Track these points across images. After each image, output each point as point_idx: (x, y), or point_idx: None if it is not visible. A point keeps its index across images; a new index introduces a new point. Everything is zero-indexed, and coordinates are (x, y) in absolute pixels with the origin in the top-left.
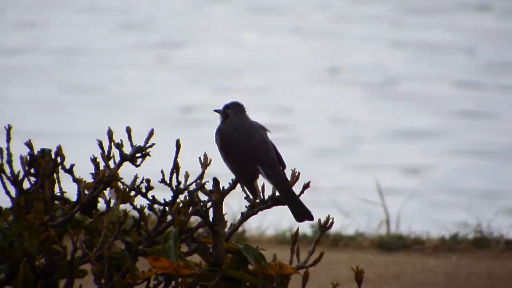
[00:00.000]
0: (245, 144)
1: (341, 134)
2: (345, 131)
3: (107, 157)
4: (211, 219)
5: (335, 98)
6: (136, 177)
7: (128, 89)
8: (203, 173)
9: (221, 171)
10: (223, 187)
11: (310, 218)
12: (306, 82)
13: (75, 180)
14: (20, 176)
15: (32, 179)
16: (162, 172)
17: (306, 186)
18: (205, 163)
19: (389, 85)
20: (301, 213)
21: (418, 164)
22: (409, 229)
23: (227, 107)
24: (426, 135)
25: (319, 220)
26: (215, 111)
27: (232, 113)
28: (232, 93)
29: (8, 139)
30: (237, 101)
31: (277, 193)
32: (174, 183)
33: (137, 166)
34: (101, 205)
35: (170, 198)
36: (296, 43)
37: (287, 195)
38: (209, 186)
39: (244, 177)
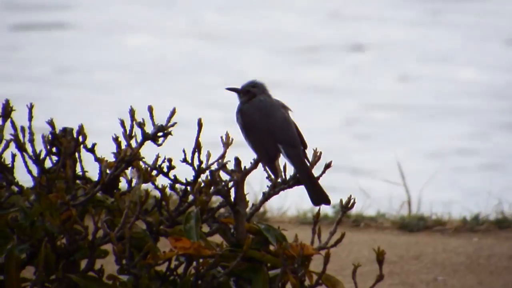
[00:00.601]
0: (266, 123)
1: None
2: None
3: (129, 136)
4: (232, 199)
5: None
6: (158, 156)
7: None
8: (224, 152)
9: (243, 150)
10: (244, 167)
11: (327, 202)
12: None
13: (97, 159)
14: (42, 155)
15: (54, 158)
16: (184, 151)
17: (327, 166)
18: (227, 142)
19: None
20: (319, 196)
21: None
22: (431, 210)
23: (252, 85)
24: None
25: (341, 200)
26: (230, 89)
27: (258, 92)
28: None
29: (30, 118)
30: (259, 80)
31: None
32: (196, 162)
33: (159, 145)
34: (123, 184)
35: (192, 178)
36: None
37: (305, 177)
38: (231, 165)
39: (266, 156)
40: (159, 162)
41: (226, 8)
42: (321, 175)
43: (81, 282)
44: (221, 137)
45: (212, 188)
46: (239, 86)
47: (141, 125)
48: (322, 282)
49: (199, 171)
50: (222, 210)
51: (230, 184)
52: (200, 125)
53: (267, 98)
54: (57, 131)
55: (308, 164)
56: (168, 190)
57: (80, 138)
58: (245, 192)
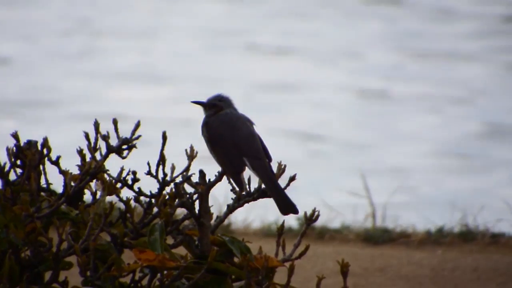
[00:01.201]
0: (231, 136)
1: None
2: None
3: (93, 149)
4: (197, 211)
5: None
6: (122, 169)
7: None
8: (189, 165)
9: (207, 163)
10: (209, 179)
11: (295, 211)
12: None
13: (61, 171)
14: (6, 168)
15: (18, 170)
16: (148, 164)
17: (292, 179)
18: (191, 155)
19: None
20: (286, 206)
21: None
22: (395, 222)
23: (218, 99)
24: None
25: (305, 213)
26: (196, 102)
27: (225, 106)
28: None
29: None
30: (225, 94)
31: (263, 186)
32: (160, 175)
33: (124, 158)
34: (87, 197)
35: (156, 190)
36: None
37: (272, 188)
38: (195, 178)
39: (231, 169)
40: (123, 175)
41: None
42: (285, 188)
43: None
44: (186, 150)
45: (177, 200)
46: (204, 100)
47: (105, 138)
48: None
49: (163, 184)
50: (186, 222)
51: (195, 196)
52: (164, 138)
53: (233, 111)
54: (22, 144)
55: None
56: (132, 203)
57: (45, 151)
58: (210, 205)
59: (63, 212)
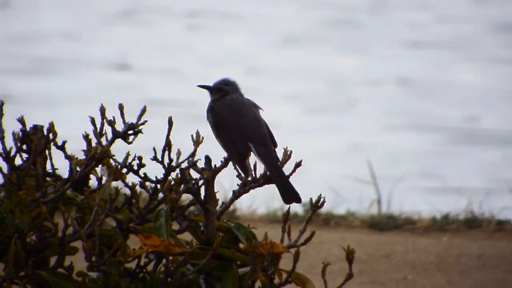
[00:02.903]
0: (237, 121)
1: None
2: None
3: (99, 134)
4: (202, 197)
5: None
6: (128, 154)
7: None
8: (195, 151)
9: (213, 149)
10: (215, 165)
11: (298, 200)
12: None
13: (67, 156)
14: (12, 153)
15: (24, 155)
16: (154, 149)
17: (297, 165)
18: (197, 141)
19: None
20: (289, 195)
21: None
22: (400, 209)
23: (224, 83)
24: None
25: (310, 199)
26: (202, 86)
27: (231, 90)
28: None
29: (1, 115)
30: (231, 78)
31: (268, 172)
32: (166, 160)
33: (129, 143)
34: (93, 182)
35: (162, 176)
36: None
37: (276, 175)
38: (201, 164)
39: (236, 155)
40: (129, 160)
41: None
42: (291, 174)
43: (51, 279)
44: (192, 136)
45: (182, 186)
46: (211, 84)
47: (111, 123)
48: (292, 280)
49: (169, 169)
50: (192, 208)
51: (200, 182)
52: (170, 123)
53: (239, 96)
54: (28, 129)
55: (279, 163)
56: (138, 188)
57: (51, 136)
58: (215, 191)
59: (68, 197)
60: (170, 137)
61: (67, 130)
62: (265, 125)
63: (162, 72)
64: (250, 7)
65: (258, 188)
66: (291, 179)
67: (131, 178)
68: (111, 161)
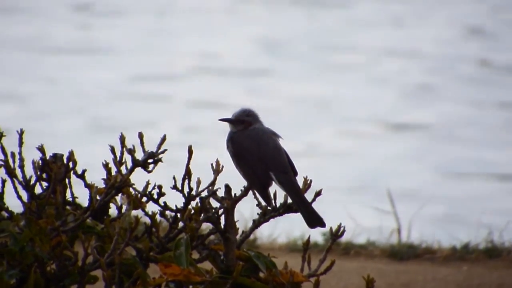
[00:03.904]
0: (257, 150)
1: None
2: None
3: (119, 163)
4: (222, 226)
5: None
6: (148, 183)
7: None
8: (215, 179)
9: (233, 177)
10: (235, 194)
11: (322, 224)
12: None
13: (87, 185)
14: (32, 181)
15: (44, 184)
16: (174, 178)
17: (318, 193)
18: (217, 170)
19: None
20: (313, 219)
21: None
22: (420, 238)
23: (246, 114)
24: None
25: (331, 228)
26: (224, 120)
27: (253, 121)
28: None
29: (20, 143)
30: (251, 108)
31: (289, 200)
32: (186, 189)
33: (149, 172)
34: (113, 211)
35: (182, 205)
36: None
37: (299, 202)
38: (221, 192)
39: (257, 183)
40: (149, 189)
41: None
42: (311, 202)
43: None
44: (211, 164)
45: (202, 215)
46: (229, 116)
47: (131, 152)
48: None
49: (189, 198)
50: (212, 237)
51: (220, 211)
52: (190, 152)
53: (260, 126)
54: (47, 157)
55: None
56: (158, 217)
57: (70, 164)
58: (235, 219)
59: (88, 226)
60: (189, 166)
61: None
62: (285, 154)
63: None
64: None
65: (278, 217)
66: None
67: (151, 207)
68: (131, 189)
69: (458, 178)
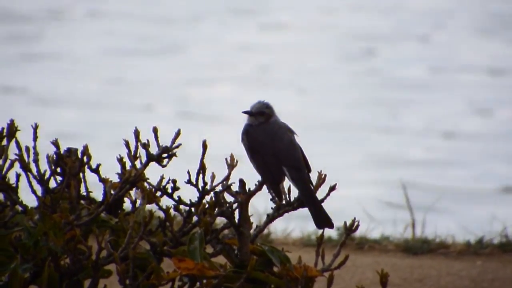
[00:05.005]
0: (272, 145)
1: None
2: None
3: (133, 157)
4: (236, 221)
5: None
6: (162, 178)
7: None
8: (229, 174)
9: (248, 172)
10: (249, 189)
11: (330, 225)
12: None
13: (101, 179)
14: (47, 175)
15: (58, 178)
16: (188, 172)
17: (332, 188)
18: (231, 164)
19: None
20: (322, 220)
21: None
22: (435, 233)
23: (265, 106)
24: None
25: (345, 223)
26: (245, 112)
27: (272, 113)
28: None
29: (35, 138)
30: (268, 101)
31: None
32: (200, 183)
33: (164, 166)
34: (127, 205)
35: (196, 199)
36: None
37: (310, 200)
38: (235, 187)
39: (270, 178)
40: (163, 183)
41: None
42: (325, 198)
43: None
44: (226, 159)
45: (216, 209)
46: (248, 108)
47: (145, 146)
48: None
49: (203, 193)
50: (226, 231)
51: (235, 205)
52: (204, 146)
53: (277, 120)
54: (62, 151)
55: (312, 188)
56: (172, 211)
57: (85, 159)
58: (249, 214)
59: (102, 220)
60: (204, 160)
61: None
62: (300, 150)
63: None
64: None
65: (292, 211)
66: (325, 203)
67: (165, 201)
68: (145, 184)
69: None
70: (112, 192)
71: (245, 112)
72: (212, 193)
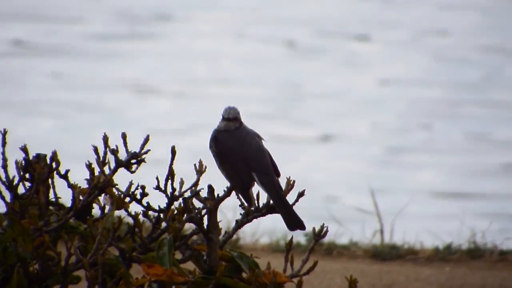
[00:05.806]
0: (240, 151)
1: None
2: None
3: (102, 163)
4: (205, 227)
5: None
6: (131, 184)
7: None
8: (198, 180)
9: (216, 178)
10: (217, 194)
11: (302, 227)
12: None
13: (70, 185)
14: (15, 181)
15: (27, 184)
16: (157, 178)
17: (300, 194)
18: (200, 170)
19: None
20: (294, 222)
21: None
22: (403, 239)
23: (237, 112)
24: None
25: (313, 228)
26: (228, 119)
27: (242, 120)
28: None
29: (3, 144)
30: (235, 106)
31: (271, 201)
32: (169, 189)
33: (132, 172)
34: (96, 211)
35: (165, 205)
36: None
37: (280, 204)
38: (204, 193)
39: (239, 184)
40: (132, 189)
41: None
42: (294, 203)
43: None
44: (194, 165)
45: (185, 215)
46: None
47: (114, 152)
48: None
49: (172, 199)
50: (195, 237)
51: (203, 211)
52: (173, 152)
53: (244, 126)
54: (30, 157)
55: (282, 192)
56: (141, 217)
57: (54, 165)
58: (218, 220)
59: (71, 226)
60: (173, 166)
61: None
62: (268, 155)
63: None
64: None
65: (261, 217)
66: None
67: (134, 207)
68: (114, 190)
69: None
70: (81, 198)
71: (227, 119)
72: (181, 199)
